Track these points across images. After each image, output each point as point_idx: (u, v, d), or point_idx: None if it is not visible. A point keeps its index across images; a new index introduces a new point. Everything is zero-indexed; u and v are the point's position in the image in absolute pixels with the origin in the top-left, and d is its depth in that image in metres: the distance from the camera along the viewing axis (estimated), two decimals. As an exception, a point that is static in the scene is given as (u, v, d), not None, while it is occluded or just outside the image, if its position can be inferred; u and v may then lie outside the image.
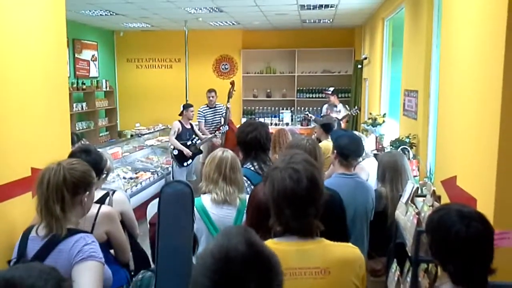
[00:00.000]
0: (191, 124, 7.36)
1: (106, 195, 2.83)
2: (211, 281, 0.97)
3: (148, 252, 2.97)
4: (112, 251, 2.62)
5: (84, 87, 9.67)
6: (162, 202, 2.08)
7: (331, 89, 8.31)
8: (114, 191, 2.92)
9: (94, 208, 2.43)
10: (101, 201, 2.69)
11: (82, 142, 7.00)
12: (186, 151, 7.07)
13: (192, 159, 7.26)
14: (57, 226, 2.02)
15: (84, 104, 9.67)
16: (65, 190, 2.04)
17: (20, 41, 2.75)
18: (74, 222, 2.10)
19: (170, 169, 7.65)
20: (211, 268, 0.98)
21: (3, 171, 2.60)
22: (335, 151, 3.04)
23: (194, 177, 7.40)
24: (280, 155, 3.07)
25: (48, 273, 1.14)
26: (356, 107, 8.34)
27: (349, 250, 1.70)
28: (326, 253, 1.64)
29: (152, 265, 2.87)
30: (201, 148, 7.40)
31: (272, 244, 1.61)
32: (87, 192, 2.16)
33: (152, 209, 3.21)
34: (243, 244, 1.01)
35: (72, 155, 2.66)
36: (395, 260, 2.67)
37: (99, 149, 2.86)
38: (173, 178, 7.31)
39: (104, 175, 2.79)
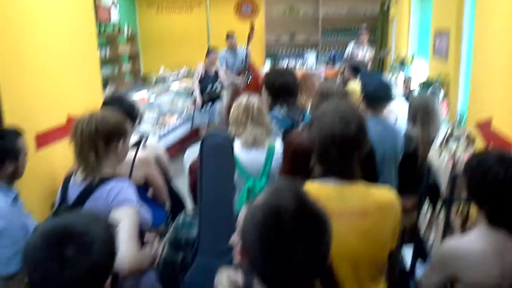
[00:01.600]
0: (215, 69, 7.31)
1: (139, 141, 2.90)
2: (261, 234, 0.99)
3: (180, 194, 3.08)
4: (150, 193, 2.74)
5: (106, 32, 9.61)
6: (204, 153, 2.12)
7: (364, 25, 8.02)
8: (147, 137, 2.99)
9: (130, 154, 2.49)
10: (135, 146, 2.77)
11: (109, 87, 7.11)
12: (198, 100, 7.07)
13: (212, 103, 7.27)
14: (93, 172, 2.09)
15: (107, 50, 9.65)
16: (97, 140, 2.08)
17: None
18: (109, 169, 2.16)
19: (194, 112, 7.71)
20: (261, 223, 1.00)
21: (41, 119, 2.68)
22: (363, 95, 3.01)
23: (217, 119, 7.44)
24: (316, 104, 3.04)
25: (98, 219, 1.21)
26: (385, 49, 8.10)
27: (387, 194, 1.73)
28: (366, 196, 1.67)
29: (187, 207, 2.99)
30: (222, 94, 7.39)
31: (312, 185, 1.65)
32: (121, 141, 2.19)
33: (188, 155, 3.28)
34: (293, 200, 1.01)
35: (104, 104, 2.72)
36: (427, 199, 2.71)
37: (126, 94, 2.91)
38: (192, 121, 7.36)
39: (138, 121, 2.84)
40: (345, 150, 1.65)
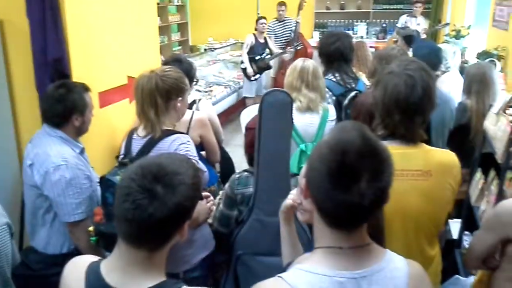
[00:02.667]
0: (265, 39, 7.30)
1: (193, 102, 3.00)
2: (328, 168, 1.05)
3: (238, 156, 3.16)
4: (203, 153, 2.84)
5: (157, 1, 9.74)
6: (263, 110, 2.17)
7: None
8: (199, 99, 3.08)
9: (187, 114, 2.60)
10: (189, 107, 2.87)
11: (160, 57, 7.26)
12: (249, 70, 7.09)
13: (261, 74, 7.28)
14: (153, 128, 2.19)
15: (158, 19, 9.79)
16: (158, 96, 2.18)
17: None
18: (169, 124, 2.26)
19: (241, 83, 7.78)
20: (328, 157, 1.06)
21: (104, 79, 2.81)
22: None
23: (263, 91, 7.49)
24: (373, 68, 3.01)
25: (186, 161, 1.29)
26: (443, 23, 7.79)
27: (448, 156, 1.74)
28: (427, 157, 1.69)
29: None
30: (270, 63, 7.38)
31: None
32: (180, 98, 2.28)
33: (245, 116, 3.36)
34: (358, 137, 1.07)
35: (165, 63, 2.81)
36: (479, 169, 2.67)
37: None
38: (239, 92, 7.44)
39: (195, 82, 2.93)
40: (409, 115, 1.64)
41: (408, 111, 1.64)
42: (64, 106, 2.25)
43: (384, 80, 1.70)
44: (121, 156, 2.27)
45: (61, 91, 2.25)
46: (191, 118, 2.67)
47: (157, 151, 2.15)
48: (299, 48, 7.45)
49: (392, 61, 2.74)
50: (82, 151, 2.38)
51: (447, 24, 7.56)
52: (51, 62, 2.44)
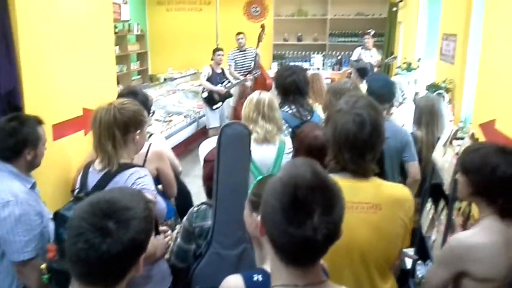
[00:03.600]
0: (222, 69, 7.38)
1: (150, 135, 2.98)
2: (281, 203, 1.08)
3: (197, 187, 3.13)
4: (159, 186, 2.81)
5: (116, 30, 9.70)
6: (222, 142, 2.19)
7: (372, 32, 8.11)
8: (152, 134, 3.05)
9: (144, 147, 2.56)
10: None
11: (119, 85, 7.19)
12: (218, 88, 7.08)
13: (222, 102, 7.33)
14: (110, 161, 2.16)
15: (117, 48, 9.75)
16: (116, 129, 2.15)
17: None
18: (127, 158, 2.23)
19: (201, 113, 7.79)
20: (280, 192, 1.09)
21: (58, 111, 2.76)
22: (366, 93, 3.05)
23: (226, 121, 7.52)
24: (327, 102, 3.08)
25: (137, 195, 1.28)
26: (392, 56, 8.16)
27: (400, 190, 1.76)
28: (378, 191, 1.70)
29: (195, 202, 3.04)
30: (231, 92, 7.45)
31: None
32: (139, 131, 2.26)
33: (203, 148, 3.36)
34: (309, 172, 1.11)
35: (120, 96, 2.79)
36: (430, 199, 2.77)
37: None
38: (207, 122, 7.44)
39: (151, 114, 2.92)
40: (359, 152, 1.67)
41: (358, 148, 1.66)
42: (16, 140, 2.19)
43: (333, 118, 1.74)
44: (77, 191, 2.22)
45: (13, 124, 2.20)
46: (148, 150, 2.65)
47: (114, 185, 2.11)
48: (257, 75, 7.56)
49: (344, 94, 2.86)
50: (33, 186, 2.31)
51: (395, 57, 7.96)
52: (3, 95, 2.38)
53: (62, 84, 2.76)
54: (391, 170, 2.87)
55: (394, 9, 9.17)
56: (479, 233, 1.78)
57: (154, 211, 1.33)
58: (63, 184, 2.73)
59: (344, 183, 1.64)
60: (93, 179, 2.20)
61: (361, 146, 1.66)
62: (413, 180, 2.88)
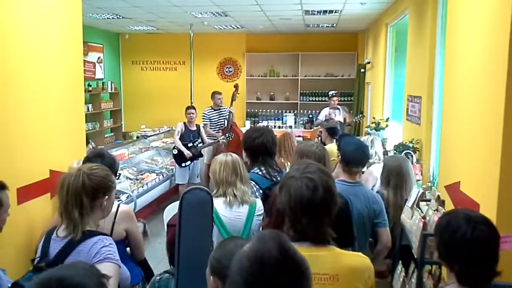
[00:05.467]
0: (197, 126, 7.43)
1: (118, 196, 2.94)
2: (245, 281, 1.05)
3: (159, 253, 3.07)
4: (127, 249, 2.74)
5: (90, 88, 9.78)
6: (183, 208, 2.17)
7: (335, 93, 8.39)
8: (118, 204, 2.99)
9: (113, 207, 2.52)
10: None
11: (90, 143, 7.13)
12: (186, 152, 7.13)
13: (192, 161, 7.32)
14: (75, 229, 2.11)
15: (90, 106, 9.78)
16: (83, 195, 2.12)
17: (38, 45, 2.83)
18: (93, 224, 2.19)
19: (174, 170, 7.74)
20: (246, 270, 1.06)
21: (23, 173, 2.69)
22: (340, 158, 3.08)
23: (197, 179, 7.48)
24: (294, 163, 3.11)
25: (90, 270, 1.24)
26: (360, 114, 8.42)
27: (358, 259, 1.76)
28: (336, 261, 1.70)
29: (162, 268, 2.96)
30: (202, 151, 7.48)
31: None
32: (107, 196, 2.23)
33: (168, 212, 3.31)
34: (276, 249, 1.08)
35: (87, 160, 2.75)
36: (400, 262, 2.76)
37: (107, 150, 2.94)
38: (175, 178, 7.38)
39: (117, 176, 2.89)
40: (315, 216, 1.68)
41: (314, 212, 1.68)
42: (-25, 207, 2.12)
43: (287, 184, 1.75)
44: (37, 259, 2.14)
45: (-26, 190, 2.14)
46: (117, 211, 2.61)
47: (77, 255, 2.06)
48: (230, 138, 7.63)
49: (311, 156, 2.90)
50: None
51: (364, 115, 8.23)
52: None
53: (27, 146, 2.71)
54: (364, 237, 2.83)
55: (362, 70, 9.57)
56: None
57: (108, 285, 1.29)
58: (25, 251, 2.62)
59: (303, 253, 1.65)
60: (55, 246, 2.13)
61: (316, 210, 1.67)
62: (384, 247, 2.87)
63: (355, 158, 2.97)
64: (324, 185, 1.69)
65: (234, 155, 2.96)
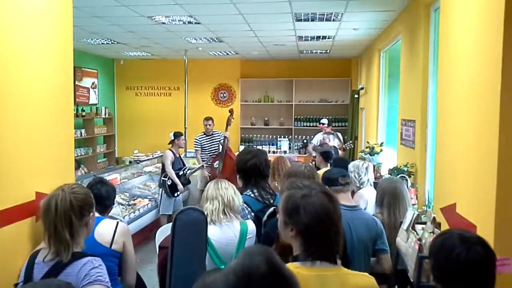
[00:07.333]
0: (179, 153, 7.41)
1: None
2: None
3: (151, 280, 2.97)
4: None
5: (83, 113, 9.76)
6: (176, 229, 2.11)
7: (325, 121, 8.43)
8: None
9: (111, 225, 2.61)
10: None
11: (82, 168, 7.05)
12: (180, 187, 7.07)
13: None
14: (66, 251, 2.06)
15: (83, 131, 9.74)
16: (72, 215, 2.10)
17: (28, 68, 2.81)
18: (81, 245, 2.14)
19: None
20: (233, 285, 1.02)
21: (8, 195, 2.62)
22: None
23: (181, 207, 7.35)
24: (284, 182, 3.08)
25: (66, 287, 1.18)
26: (350, 141, 8.43)
27: (365, 279, 1.75)
28: (344, 281, 1.67)
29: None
30: (190, 178, 7.42)
31: (293, 267, 1.62)
32: (91, 213, 2.23)
33: (160, 234, 3.24)
34: (264, 263, 1.05)
35: (89, 186, 2.84)
36: (396, 287, 2.69)
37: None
38: (159, 208, 7.23)
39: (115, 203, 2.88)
40: (329, 231, 1.67)
41: (335, 225, 1.68)
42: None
43: (306, 203, 1.69)
44: (20, 284, 2.06)
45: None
46: (117, 225, 2.64)
47: (65, 277, 1.99)
48: (219, 167, 7.52)
49: (300, 177, 2.84)
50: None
51: (353, 142, 8.33)
52: None
53: (12, 168, 2.64)
54: (363, 262, 2.72)
55: (356, 96, 9.62)
56: None
57: None
58: (7, 276, 2.51)
59: (311, 272, 1.62)
60: (40, 271, 2.06)
61: (335, 223, 1.68)
62: (384, 270, 2.78)
63: (331, 171, 2.97)
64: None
65: (226, 181, 2.91)
